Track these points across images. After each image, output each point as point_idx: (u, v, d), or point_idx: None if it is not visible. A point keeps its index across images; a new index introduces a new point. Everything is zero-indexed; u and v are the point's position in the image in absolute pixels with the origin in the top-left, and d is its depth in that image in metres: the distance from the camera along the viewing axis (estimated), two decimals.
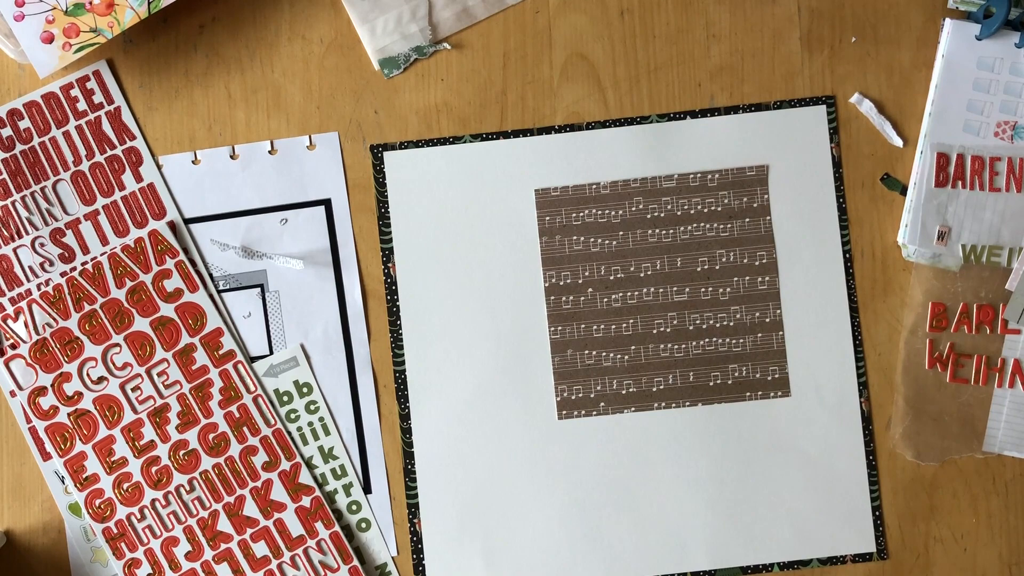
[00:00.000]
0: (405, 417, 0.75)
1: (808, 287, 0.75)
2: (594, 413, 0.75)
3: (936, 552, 0.75)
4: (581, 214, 0.75)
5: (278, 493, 0.74)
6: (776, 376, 0.75)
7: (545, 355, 0.75)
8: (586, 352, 0.75)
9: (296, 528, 0.74)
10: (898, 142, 0.76)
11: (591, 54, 0.76)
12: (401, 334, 0.75)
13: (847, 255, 0.75)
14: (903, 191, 0.76)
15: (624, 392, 0.75)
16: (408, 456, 0.75)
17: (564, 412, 0.75)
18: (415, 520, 0.74)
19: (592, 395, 0.75)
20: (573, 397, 0.75)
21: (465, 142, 0.76)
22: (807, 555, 0.74)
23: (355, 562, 0.74)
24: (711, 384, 0.75)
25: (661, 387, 0.75)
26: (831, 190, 0.76)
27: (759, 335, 0.75)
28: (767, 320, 0.75)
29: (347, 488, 0.75)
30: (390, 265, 0.75)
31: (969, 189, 0.74)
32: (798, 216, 0.75)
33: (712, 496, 0.74)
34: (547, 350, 0.75)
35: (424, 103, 0.76)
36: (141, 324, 0.75)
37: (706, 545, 0.74)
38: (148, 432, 0.74)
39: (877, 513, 0.74)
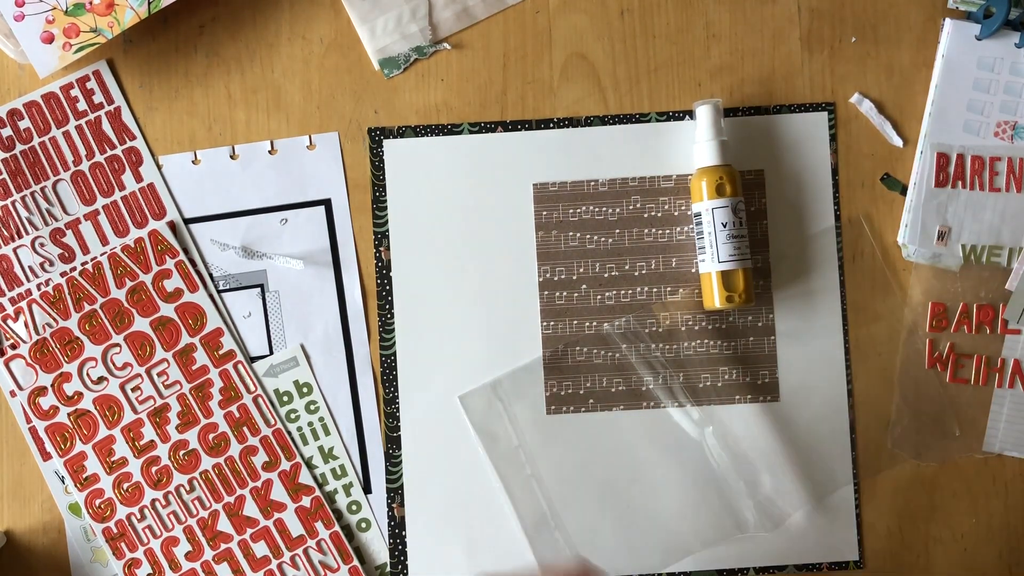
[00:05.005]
0: (390, 401, 0.75)
1: (801, 293, 0.75)
2: (583, 410, 0.75)
3: (936, 552, 0.75)
4: (578, 210, 0.75)
5: (278, 493, 0.75)
6: (766, 380, 0.75)
7: (536, 349, 0.75)
8: (577, 348, 0.75)
9: (296, 528, 0.74)
10: (898, 142, 0.76)
11: (591, 54, 0.76)
12: (393, 323, 0.75)
13: (841, 262, 0.75)
14: (903, 191, 0.76)
15: (614, 390, 0.75)
16: (393, 442, 0.74)
17: (553, 407, 0.75)
18: (396, 506, 0.74)
19: (582, 391, 0.75)
20: (563, 393, 0.75)
21: (464, 133, 0.76)
22: (789, 561, 0.74)
23: (355, 562, 0.74)
24: (701, 386, 0.75)
25: (651, 387, 0.75)
26: (828, 197, 0.75)
27: (751, 339, 0.75)
28: (759, 324, 0.75)
29: (347, 488, 0.75)
30: (382, 250, 0.75)
31: (969, 189, 0.74)
32: (794, 222, 0.75)
33: (698, 498, 0.74)
34: (539, 344, 0.75)
35: (424, 103, 0.76)
36: (141, 324, 0.75)
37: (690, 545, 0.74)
38: (148, 432, 0.74)
39: (859, 521, 0.74)
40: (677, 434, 0.74)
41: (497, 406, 0.74)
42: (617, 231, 0.75)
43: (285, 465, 0.75)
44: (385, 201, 0.76)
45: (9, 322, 0.75)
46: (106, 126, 0.76)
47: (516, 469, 0.74)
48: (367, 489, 0.75)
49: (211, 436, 0.75)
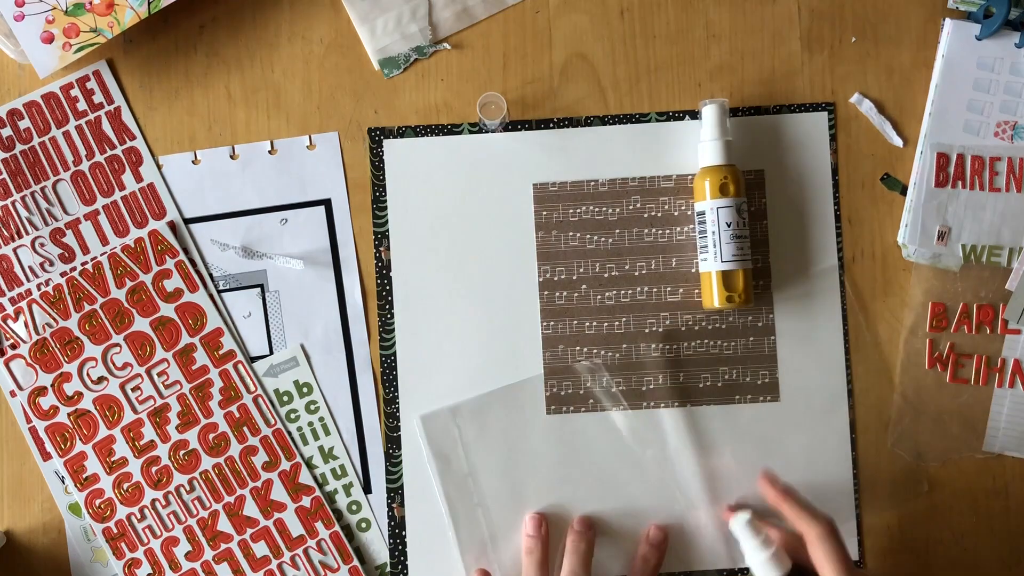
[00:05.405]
0: (390, 401, 0.75)
1: (801, 293, 0.75)
2: (583, 410, 0.75)
3: (936, 552, 0.75)
4: (578, 210, 0.75)
5: (278, 493, 0.75)
6: (766, 380, 0.75)
7: (536, 350, 0.75)
8: (577, 348, 0.75)
9: (296, 528, 0.74)
10: (898, 142, 0.76)
11: (591, 54, 0.76)
12: (393, 323, 0.75)
13: (841, 262, 0.75)
14: (903, 191, 0.76)
15: (614, 390, 0.75)
16: (393, 442, 0.74)
17: (553, 407, 0.75)
18: (396, 506, 0.74)
19: (582, 391, 0.75)
20: (563, 393, 0.75)
21: (464, 133, 0.76)
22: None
23: (355, 562, 0.74)
24: (701, 386, 0.75)
25: (651, 386, 0.75)
26: (829, 197, 0.75)
27: (751, 339, 0.75)
28: (759, 324, 0.75)
29: (347, 488, 0.75)
30: (382, 250, 0.75)
31: (969, 189, 0.74)
32: (795, 222, 0.75)
33: (697, 498, 0.74)
34: (539, 345, 0.75)
35: (424, 103, 0.76)
36: (141, 324, 0.75)
37: (688, 547, 0.74)
38: (148, 432, 0.74)
39: (859, 521, 0.74)
40: (676, 434, 0.74)
41: (454, 431, 0.74)
42: (617, 231, 0.75)
43: (285, 465, 0.75)
44: (385, 201, 0.76)
45: (9, 322, 0.75)
46: (106, 126, 0.76)
47: (464, 497, 0.74)
48: (367, 489, 0.75)
49: (211, 436, 0.75)
